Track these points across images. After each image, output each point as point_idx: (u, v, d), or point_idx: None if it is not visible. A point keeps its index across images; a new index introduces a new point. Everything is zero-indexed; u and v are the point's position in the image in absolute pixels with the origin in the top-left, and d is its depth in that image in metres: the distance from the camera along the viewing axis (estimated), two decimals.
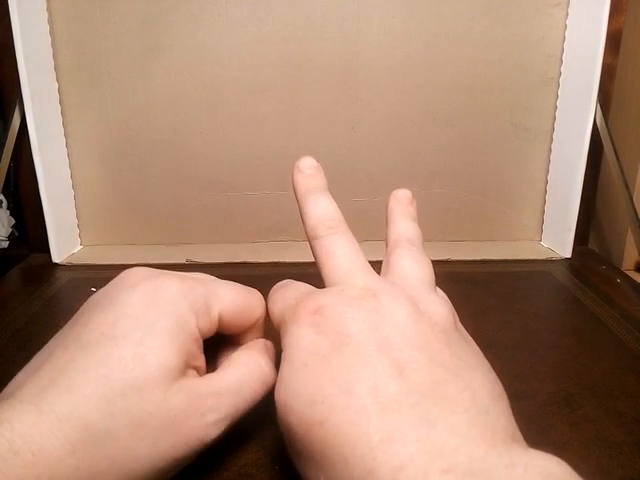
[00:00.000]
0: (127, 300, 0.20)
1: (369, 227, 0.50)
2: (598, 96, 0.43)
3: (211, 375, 0.21)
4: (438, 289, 0.22)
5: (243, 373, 0.21)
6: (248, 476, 0.21)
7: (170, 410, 0.18)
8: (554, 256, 0.47)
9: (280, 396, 0.18)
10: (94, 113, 0.46)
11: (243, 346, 0.23)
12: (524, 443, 0.16)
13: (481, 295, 0.39)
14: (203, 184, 0.48)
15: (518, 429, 0.17)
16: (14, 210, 0.53)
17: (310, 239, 0.23)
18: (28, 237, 0.49)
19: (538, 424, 0.25)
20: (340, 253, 0.22)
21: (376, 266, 0.45)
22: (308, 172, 0.26)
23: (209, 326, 0.21)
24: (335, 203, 0.25)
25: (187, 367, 0.19)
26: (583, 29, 0.43)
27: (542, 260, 0.47)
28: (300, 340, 0.19)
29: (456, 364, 0.18)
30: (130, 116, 0.47)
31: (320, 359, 0.18)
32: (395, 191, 0.27)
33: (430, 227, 0.50)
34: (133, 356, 0.18)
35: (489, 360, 0.30)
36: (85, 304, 0.21)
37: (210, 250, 0.48)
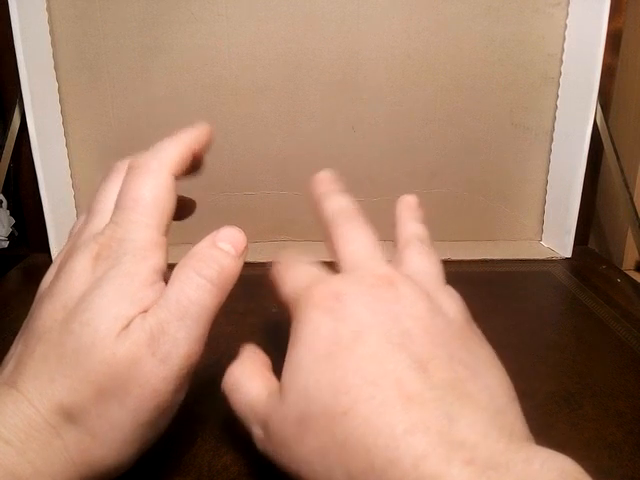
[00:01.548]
0: (72, 277, 0.19)
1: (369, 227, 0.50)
2: (598, 96, 0.43)
3: (154, 306, 0.19)
4: (449, 287, 0.22)
5: (176, 288, 0.19)
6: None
7: (120, 364, 0.18)
8: (554, 256, 0.47)
9: (300, 385, 0.17)
10: (94, 113, 0.46)
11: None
12: (533, 442, 0.16)
13: (481, 295, 0.39)
14: (203, 184, 0.48)
15: (529, 432, 0.17)
16: (14, 210, 0.53)
17: (329, 224, 0.23)
18: (28, 237, 0.49)
19: (538, 424, 0.25)
20: (361, 240, 0.22)
21: None
22: (328, 178, 0.27)
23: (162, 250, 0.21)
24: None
25: (137, 313, 0.19)
26: (583, 29, 0.43)
27: (542, 260, 0.47)
28: (320, 327, 0.18)
29: (474, 362, 0.18)
30: (130, 116, 0.47)
31: (343, 349, 0.17)
32: (403, 196, 0.27)
33: (430, 227, 0.50)
34: (80, 323, 0.18)
35: None
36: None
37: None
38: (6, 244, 0.52)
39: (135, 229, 0.20)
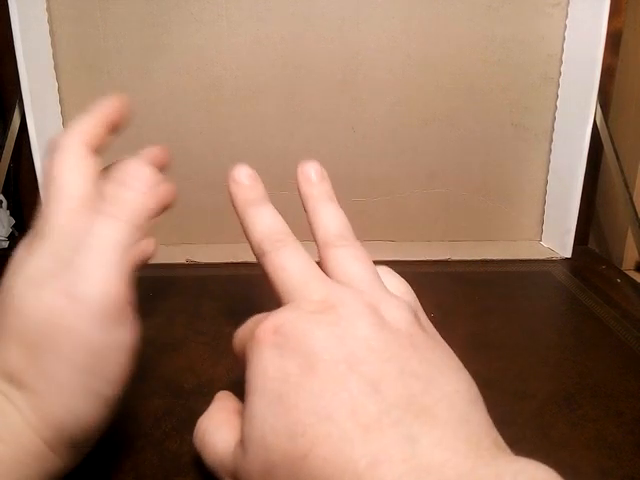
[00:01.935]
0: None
1: (369, 227, 0.50)
2: (598, 96, 0.43)
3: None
4: (387, 290, 0.21)
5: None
6: None
7: (41, 315, 0.18)
8: (554, 256, 0.47)
9: (257, 433, 0.17)
10: None
11: None
12: (508, 449, 0.16)
13: (481, 295, 0.39)
14: (203, 184, 0.48)
15: (499, 434, 0.16)
16: (14, 210, 0.53)
17: (257, 256, 0.22)
18: None
19: (538, 424, 0.25)
20: (290, 266, 0.21)
21: (376, 266, 0.45)
22: (245, 182, 0.24)
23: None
24: (279, 214, 0.23)
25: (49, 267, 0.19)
26: (583, 29, 0.43)
27: (542, 260, 0.47)
28: (266, 368, 0.17)
29: (427, 370, 0.17)
30: (130, 116, 0.46)
31: (293, 387, 0.17)
32: (301, 166, 0.25)
33: (430, 227, 0.50)
34: (6, 291, 0.19)
35: (490, 360, 0.30)
36: None
37: (210, 250, 0.48)
38: (6, 244, 0.52)
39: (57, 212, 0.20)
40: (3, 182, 0.44)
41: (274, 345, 0.18)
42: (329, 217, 0.23)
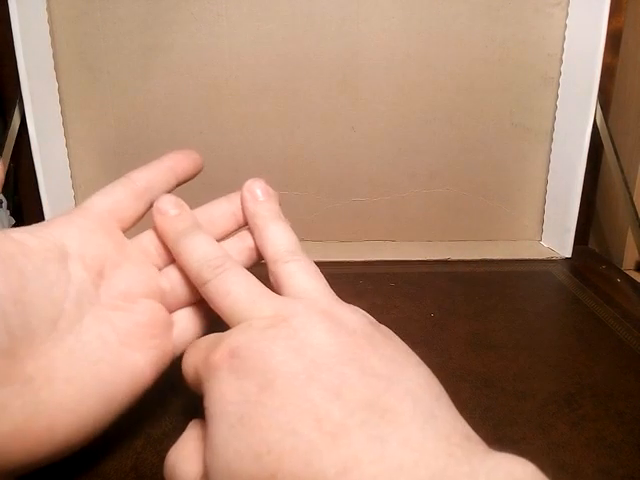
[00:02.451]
0: None
1: (369, 227, 0.50)
2: (598, 96, 0.43)
3: None
4: (340, 300, 0.21)
5: None
6: None
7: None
8: (554, 256, 0.47)
9: (220, 462, 0.16)
10: (94, 113, 0.46)
11: None
12: (481, 442, 0.16)
13: (481, 295, 0.39)
14: (203, 184, 0.48)
15: (468, 425, 0.16)
16: (14, 210, 0.53)
17: (198, 286, 0.22)
18: None
19: (538, 424, 0.25)
20: (235, 289, 0.20)
21: (376, 266, 0.45)
22: (172, 213, 0.24)
23: None
24: (211, 238, 0.23)
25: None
26: (583, 29, 0.43)
27: (542, 260, 0.47)
28: (224, 393, 0.17)
29: (387, 368, 0.17)
30: (130, 116, 0.47)
31: (253, 406, 0.16)
32: (248, 183, 0.25)
33: (430, 227, 0.50)
34: None
35: (490, 360, 0.30)
36: None
37: None
38: None
39: None
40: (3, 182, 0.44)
41: (231, 369, 0.17)
42: (278, 234, 0.23)
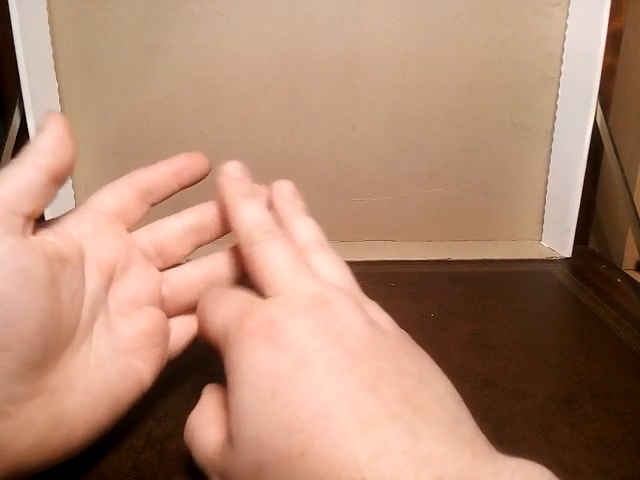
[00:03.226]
0: None
1: (369, 227, 0.50)
2: (598, 96, 0.43)
3: None
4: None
5: None
6: None
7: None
8: (554, 256, 0.47)
9: (249, 433, 0.16)
10: (94, 113, 0.46)
11: None
12: (495, 451, 0.16)
13: (481, 295, 0.39)
14: (203, 184, 0.48)
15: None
16: None
17: (244, 244, 0.22)
18: None
19: (538, 424, 0.25)
20: (280, 259, 0.20)
21: (376, 266, 0.45)
22: (235, 176, 0.25)
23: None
24: (265, 209, 0.23)
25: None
26: (583, 29, 0.43)
27: (542, 260, 0.47)
28: (258, 362, 0.17)
29: (418, 371, 0.17)
30: (130, 116, 0.47)
31: (288, 383, 0.16)
32: (277, 183, 0.26)
33: (430, 227, 0.50)
34: None
35: (490, 360, 0.30)
36: None
37: (209, 250, 0.48)
38: None
39: None
40: None
41: (267, 338, 0.17)
42: (306, 227, 0.24)
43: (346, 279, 0.21)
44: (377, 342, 0.18)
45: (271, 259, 0.20)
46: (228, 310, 0.20)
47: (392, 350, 0.18)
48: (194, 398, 0.27)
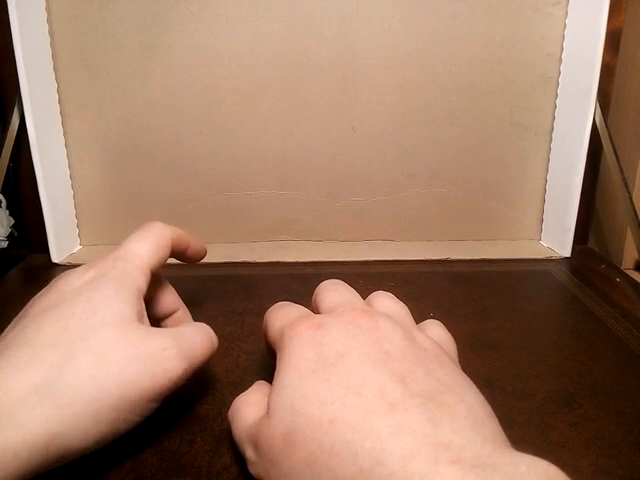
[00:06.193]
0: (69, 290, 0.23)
1: (369, 227, 0.50)
2: (597, 95, 0.43)
3: (164, 328, 0.23)
4: (440, 326, 0.25)
5: (194, 329, 0.24)
6: None
7: (131, 344, 0.21)
8: (554, 255, 0.47)
9: (285, 401, 0.18)
10: (94, 113, 0.46)
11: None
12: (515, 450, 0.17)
13: (481, 295, 0.39)
14: (203, 184, 0.48)
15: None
16: (14, 210, 0.53)
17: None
18: (28, 237, 0.49)
19: (538, 423, 0.25)
20: (339, 290, 0.24)
21: (373, 265, 0.45)
22: None
23: (146, 279, 0.24)
24: None
25: (138, 320, 0.22)
26: (583, 28, 0.43)
27: (542, 259, 0.47)
28: (304, 350, 0.19)
29: (450, 381, 0.19)
30: (130, 116, 0.47)
31: (327, 366, 0.18)
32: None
33: (430, 227, 0.50)
34: (83, 311, 0.21)
35: (490, 359, 0.30)
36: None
37: (210, 250, 0.48)
38: (5, 244, 0.52)
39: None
40: (2, 182, 0.44)
41: (315, 335, 0.20)
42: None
43: (400, 311, 0.23)
44: (413, 352, 0.19)
45: (331, 291, 0.24)
46: (286, 317, 0.23)
47: (427, 361, 0.19)
48: (193, 398, 0.27)
